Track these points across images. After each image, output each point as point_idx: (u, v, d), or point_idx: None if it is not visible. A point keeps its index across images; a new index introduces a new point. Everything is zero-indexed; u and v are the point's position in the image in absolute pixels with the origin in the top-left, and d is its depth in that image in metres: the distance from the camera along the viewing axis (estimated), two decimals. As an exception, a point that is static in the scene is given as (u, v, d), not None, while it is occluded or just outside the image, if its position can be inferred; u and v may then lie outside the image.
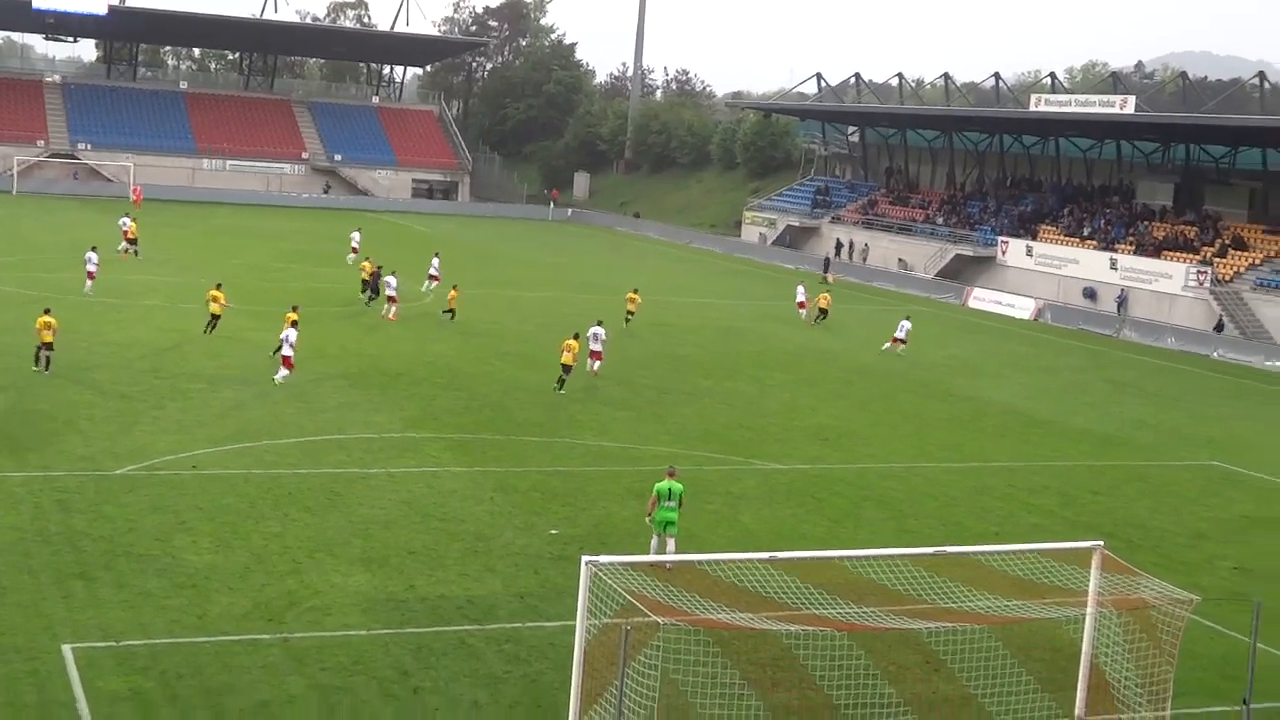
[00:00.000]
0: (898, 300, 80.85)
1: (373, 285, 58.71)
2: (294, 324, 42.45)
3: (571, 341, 43.47)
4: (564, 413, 40.46)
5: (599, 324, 46.96)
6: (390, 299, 55.51)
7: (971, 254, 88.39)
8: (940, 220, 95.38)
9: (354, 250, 74.76)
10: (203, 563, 24.91)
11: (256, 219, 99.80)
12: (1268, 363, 64.57)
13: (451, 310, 55.35)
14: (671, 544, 25.82)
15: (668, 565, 23.36)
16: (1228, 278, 73.04)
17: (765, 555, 21.33)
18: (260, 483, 30.38)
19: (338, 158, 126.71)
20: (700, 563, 22.77)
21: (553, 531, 28.46)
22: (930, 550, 23.28)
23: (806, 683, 20.86)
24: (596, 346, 46.03)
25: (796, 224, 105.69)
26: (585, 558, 18.70)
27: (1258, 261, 73.72)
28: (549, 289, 69.92)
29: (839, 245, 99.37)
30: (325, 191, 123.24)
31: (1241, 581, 28.64)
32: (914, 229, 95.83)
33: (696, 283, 79.93)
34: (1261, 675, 19.34)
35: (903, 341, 57.42)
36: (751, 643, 21.62)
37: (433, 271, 63.73)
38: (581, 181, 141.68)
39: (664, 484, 26.20)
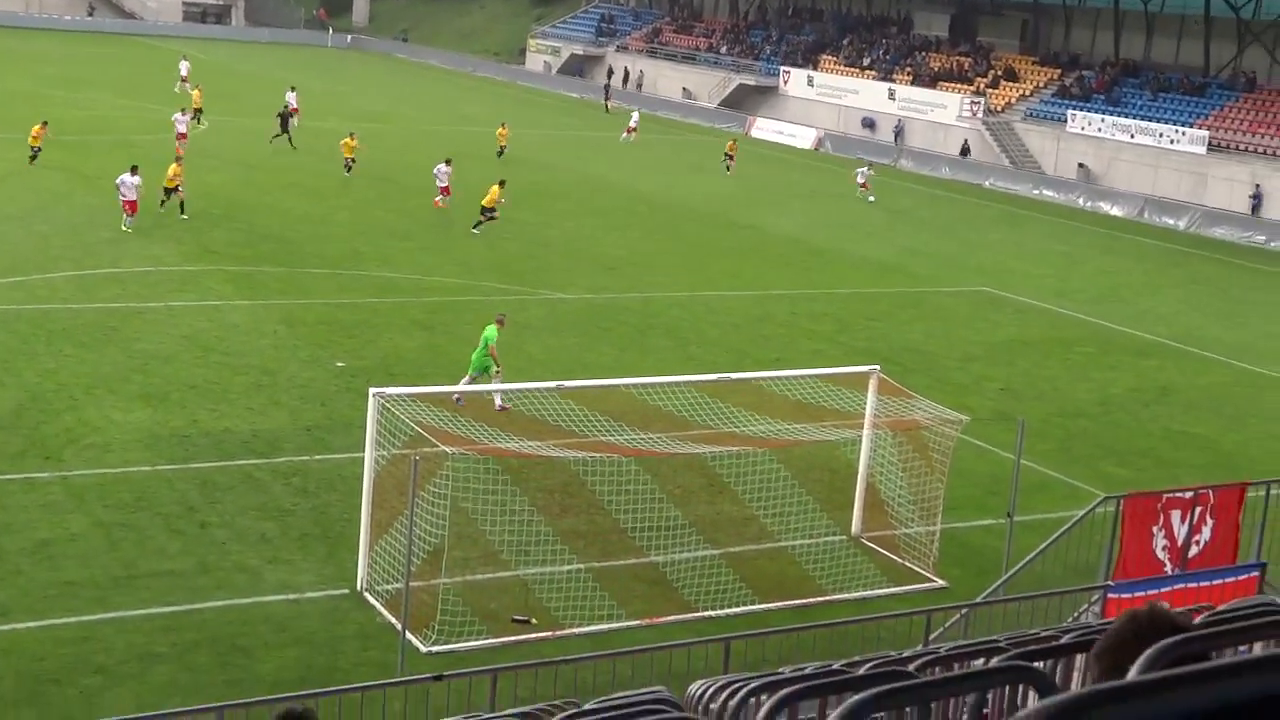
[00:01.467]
0: (681, 130, 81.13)
1: (283, 123, 57.30)
2: (134, 169, 39.12)
3: (495, 187, 43.05)
4: (348, 245, 39.93)
5: (446, 162, 46.40)
6: (180, 136, 52.91)
7: (754, 84, 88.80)
8: (724, 50, 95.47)
9: (183, 80, 72.56)
10: (-27, 401, 24.18)
11: (15, 41, 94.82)
12: (1034, 191, 66.75)
13: (351, 161, 51.42)
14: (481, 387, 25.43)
15: (455, 397, 23.52)
16: (1000, 108, 74.88)
17: (552, 384, 21.60)
18: (31, 318, 29.45)
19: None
20: (488, 393, 22.94)
21: (339, 364, 28.27)
22: (713, 377, 23.82)
23: (595, 507, 21.32)
24: (444, 183, 45.87)
25: (581, 52, 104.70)
26: (373, 390, 18.71)
27: (1028, 93, 75.65)
28: (331, 118, 68.28)
29: (610, 72, 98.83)
30: (90, 14, 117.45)
31: (1007, 401, 29.98)
32: (698, 58, 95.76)
33: (481, 112, 78.87)
34: (1024, 490, 20.36)
35: (864, 186, 58.50)
36: (540, 470, 21.96)
37: (291, 105, 62.09)
38: (361, 6, 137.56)
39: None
